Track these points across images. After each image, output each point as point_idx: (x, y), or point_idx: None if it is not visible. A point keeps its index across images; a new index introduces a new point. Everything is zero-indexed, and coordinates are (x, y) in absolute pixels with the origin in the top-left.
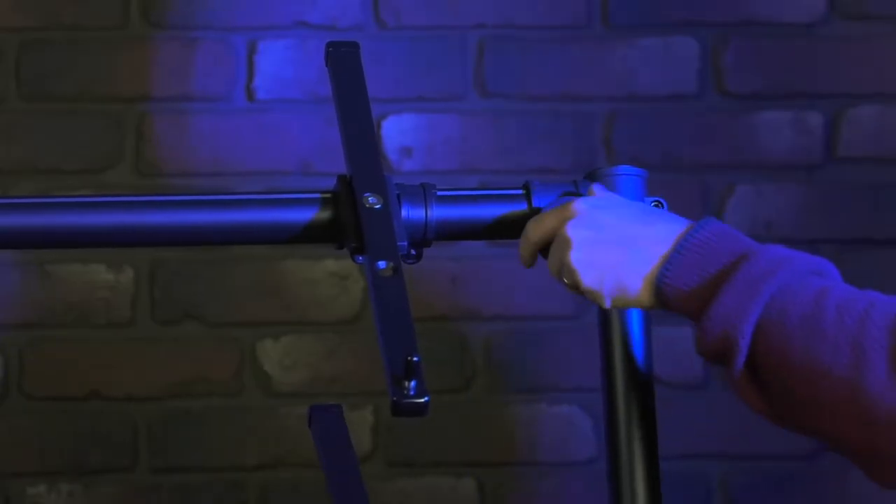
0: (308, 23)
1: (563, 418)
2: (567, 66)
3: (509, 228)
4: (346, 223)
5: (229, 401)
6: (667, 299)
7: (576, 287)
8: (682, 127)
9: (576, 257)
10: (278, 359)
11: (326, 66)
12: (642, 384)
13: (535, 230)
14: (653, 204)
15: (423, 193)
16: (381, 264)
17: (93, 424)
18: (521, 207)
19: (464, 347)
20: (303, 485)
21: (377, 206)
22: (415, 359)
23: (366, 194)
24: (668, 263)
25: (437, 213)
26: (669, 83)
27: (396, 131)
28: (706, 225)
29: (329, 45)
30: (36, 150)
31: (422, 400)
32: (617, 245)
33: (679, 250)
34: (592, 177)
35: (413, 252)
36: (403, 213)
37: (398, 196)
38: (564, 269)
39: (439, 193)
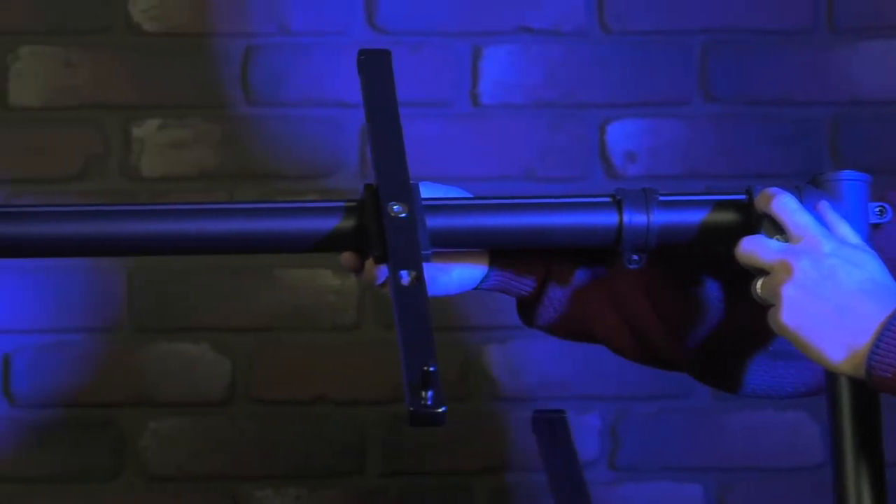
0: (531, 28)
1: (791, 424)
2: (791, 70)
3: (731, 234)
4: (371, 232)
5: (455, 405)
6: (879, 376)
7: (776, 319)
8: None
9: (789, 295)
10: (505, 363)
11: (358, 74)
12: (867, 390)
13: (751, 256)
14: (877, 210)
15: (645, 198)
16: (403, 273)
17: (320, 428)
18: (743, 213)
19: None
20: (527, 488)
21: (402, 215)
22: (431, 368)
23: (391, 203)
24: (879, 341)
25: (659, 218)
26: (894, 88)
27: (620, 136)
28: None
29: (361, 52)
30: (260, 155)
31: (439, 410)
32: (832, 308)
33: (889, 327)
34: (816, 182)
35: (635, 257)
36: (625, 218)
37: (620, 202)
38: (772, 296)
39: (661, 198)
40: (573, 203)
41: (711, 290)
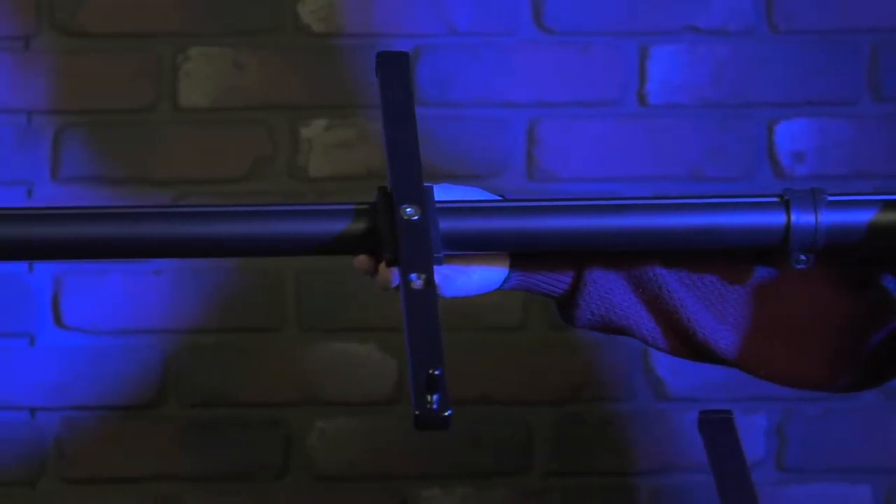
0: (699, 27)
1: None
2: None
3: None
4: (383, 234)
5: (620, 405)
6: None
7: None
8: None
9: None
10: (670, 363)
11: (376, 75)
12: None
13: None
14: None
15: (814, 198)
16: (414, 276)
17: (486, 428)
18: None
19: None
20: (693, 490)
21: (414, 218)
22: (437, 372)
23: (403, 205)
24: None
25: (828, 218)
26: None
27: (788, 136)
28: None
29: (379, 54)
30: (428, 155)
31: (445, 413)
32: None
33: None
34: None
35: (803, 258)
36: (793, 218)
37: (787, 202)
38: None
39: (829, 198)
40: (741, 203)
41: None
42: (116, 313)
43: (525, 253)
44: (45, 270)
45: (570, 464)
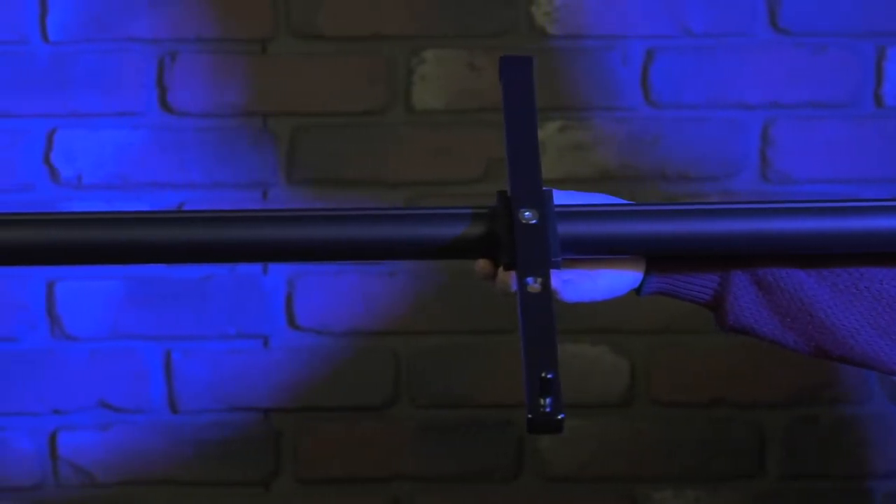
0: None
1: None
2: None
3: None
4: (501, 238)
5: (855, 408)
6: None
7: None
8: None
9: None
10: None
11: (500, 79)
12: None
13: None
14: None
15: None
16: (530, 280)
17: (718, 430)
18: None
19: None
20: None
21: (532, 222)
22: (550, 376)
23: (521, 209)
24: None
25: None
26: None
27: None
28: None
29: (503, 59)
30: (661, 157)
31: (558, 417)
32: None
33: None
34: None
35: None
36: None
37: None
38: None
39: None
40: None
41: None
42: (350, 314)
43: (664, 256)
44: (279, 272)
45: (804, 467)
